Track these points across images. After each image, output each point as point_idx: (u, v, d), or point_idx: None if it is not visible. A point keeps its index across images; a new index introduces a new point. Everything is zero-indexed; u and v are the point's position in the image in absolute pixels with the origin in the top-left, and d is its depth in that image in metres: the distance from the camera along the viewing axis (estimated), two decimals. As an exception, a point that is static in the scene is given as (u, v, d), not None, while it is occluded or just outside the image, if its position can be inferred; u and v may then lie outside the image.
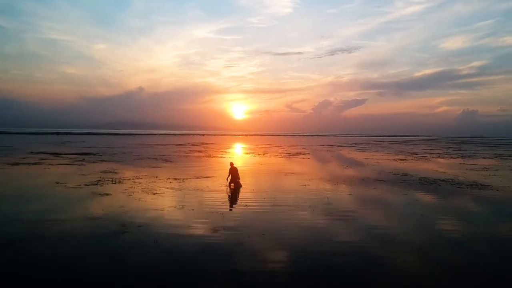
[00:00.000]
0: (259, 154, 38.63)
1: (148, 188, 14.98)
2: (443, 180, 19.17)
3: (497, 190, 16.23)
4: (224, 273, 6.42)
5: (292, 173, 21.48)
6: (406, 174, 21.64)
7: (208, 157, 34.34)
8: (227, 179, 15.88)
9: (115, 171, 20.80)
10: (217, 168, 23.89)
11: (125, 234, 8.54)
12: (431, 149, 56.14)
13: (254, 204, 12.33)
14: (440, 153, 45.24)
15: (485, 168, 27.07)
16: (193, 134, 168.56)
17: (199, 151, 42.79)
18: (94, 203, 11.86)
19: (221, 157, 34.80)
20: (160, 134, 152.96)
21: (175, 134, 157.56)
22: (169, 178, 18.16)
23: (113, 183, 16.05)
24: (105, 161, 27.26)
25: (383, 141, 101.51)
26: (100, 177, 18.03)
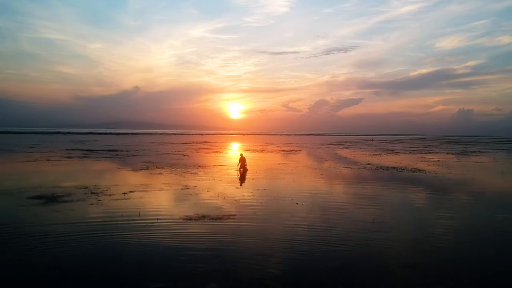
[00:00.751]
0: (257, 151, 45.94)
1: (185, 170, 22.24)
2: (393, 167, 26.59)
3: (425, 173, 23.66)
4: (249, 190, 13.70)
5: (284, 163, 28.83)
6: (369, 164, 29.08)
7: (215, 152, 41.62)
8: (238, 165, 23.15)
9: (151, 162, 28.00)
10: (226, 160, 31.17)
11: (190, 189, 15.79)
12: (410, 147, 63.81)
13: (258, 179, 19.63)
14: (413, 150, 52.87)
15: (438, 160, 34.57)
16: (192, 134, 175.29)
17: (206, 148, 50.06)
18: (157, 178, 19.08)
19: (226, 152, 42.09)
20: (160, 134, 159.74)
21: (174, 134, 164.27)
22: (195, 165, 25.43)
23: (158, 168, 23.27)
24: (136, 155, 34.44)
25: (372, 140, 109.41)
26: (145, 165, 25.25)
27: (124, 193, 14.51)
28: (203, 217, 10.98)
